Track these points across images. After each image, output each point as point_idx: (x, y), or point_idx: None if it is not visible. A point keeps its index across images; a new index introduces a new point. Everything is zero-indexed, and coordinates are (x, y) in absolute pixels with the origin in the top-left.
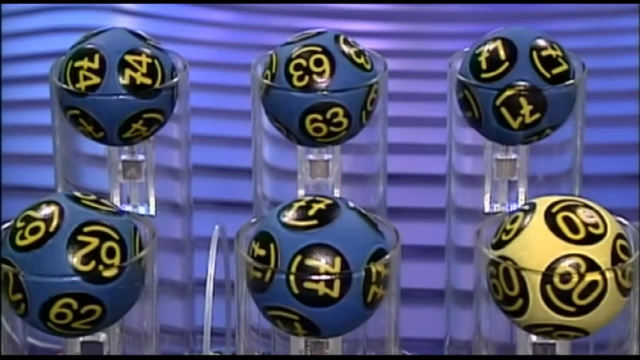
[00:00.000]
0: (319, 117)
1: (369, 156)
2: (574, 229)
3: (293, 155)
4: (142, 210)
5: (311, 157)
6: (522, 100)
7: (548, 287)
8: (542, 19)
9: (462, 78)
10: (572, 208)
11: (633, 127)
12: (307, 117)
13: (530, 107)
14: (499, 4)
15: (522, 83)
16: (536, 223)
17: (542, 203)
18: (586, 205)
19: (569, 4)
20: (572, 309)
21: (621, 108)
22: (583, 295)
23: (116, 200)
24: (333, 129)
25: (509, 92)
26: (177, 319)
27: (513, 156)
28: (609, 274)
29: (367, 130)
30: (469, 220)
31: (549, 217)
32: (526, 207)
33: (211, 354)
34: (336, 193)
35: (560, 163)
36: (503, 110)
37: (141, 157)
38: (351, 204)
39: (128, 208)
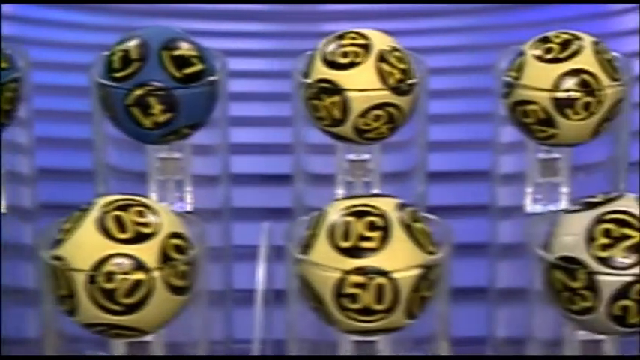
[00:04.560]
0: None
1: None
2: (122, 228)
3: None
4: None
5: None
6: (152, 100)
7: (94, 286)
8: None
9: (97, 78)
10: (125, 208)
11: None
12: None
13: (161, 107)
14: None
15: (153, 83)
16: (88, 222)
17: (98, 203)
18: (143, 205)
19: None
20: (119, 308)
21: None
22: (128, 293)
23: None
24: None
25: (138, 92)
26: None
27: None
28: (155, 273)
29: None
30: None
31: (101, 216)
32: (84, 206)
33: None
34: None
35: None
36: (135, 110)
37: None
38: None
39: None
